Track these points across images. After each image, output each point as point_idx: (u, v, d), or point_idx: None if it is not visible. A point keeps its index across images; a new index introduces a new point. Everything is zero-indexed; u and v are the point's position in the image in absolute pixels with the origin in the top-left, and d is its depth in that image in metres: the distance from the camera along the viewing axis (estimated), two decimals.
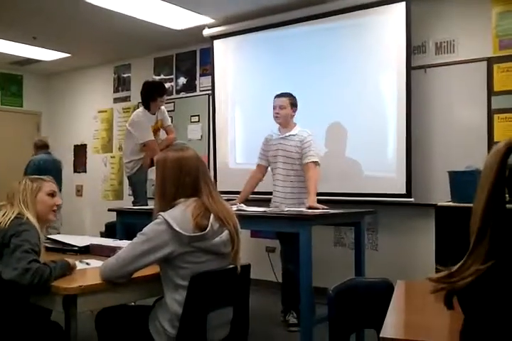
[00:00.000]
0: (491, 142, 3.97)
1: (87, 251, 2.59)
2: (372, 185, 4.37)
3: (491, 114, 4.03)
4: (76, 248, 2.61)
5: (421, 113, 4.29)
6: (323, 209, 3.47)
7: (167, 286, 1.99)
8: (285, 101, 3.94)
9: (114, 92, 6.90)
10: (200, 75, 5.97)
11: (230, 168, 5.33)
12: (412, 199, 4.16)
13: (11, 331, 2.00)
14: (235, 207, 3.27)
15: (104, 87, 6.98)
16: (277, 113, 3.93)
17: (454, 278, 1.01)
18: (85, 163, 7.24)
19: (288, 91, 4.03)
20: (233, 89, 5.37)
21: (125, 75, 6.69)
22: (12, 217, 2.11)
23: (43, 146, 5.96)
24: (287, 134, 3.92)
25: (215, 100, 5.51)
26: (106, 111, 6.98)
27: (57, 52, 6.40)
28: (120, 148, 6.75)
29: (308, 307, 3.00)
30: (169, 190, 2.04)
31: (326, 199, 4.01)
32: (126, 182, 6.57)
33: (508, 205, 1.02)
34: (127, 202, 6.07)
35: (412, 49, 4.30)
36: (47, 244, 2.75)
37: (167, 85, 6.20)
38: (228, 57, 5.41)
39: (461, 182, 2.96)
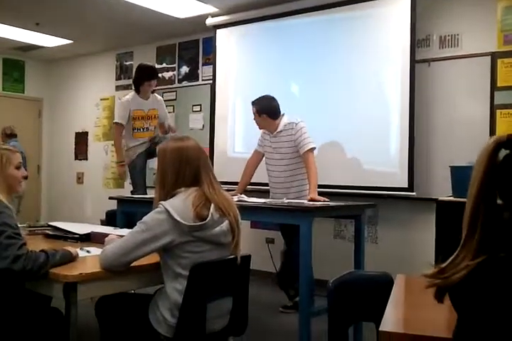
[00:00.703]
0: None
1: (87, 238, 2.59)
2: (374, 178, 4.37)
3: (493, 109, 4.02)
4: (77, 235, 2.61)
5: (424, 106, 4.28)
6: (324, 201, 3.47)
7: (167, 275, 2.00)
8: (252, 110, 3.95)
9: (116, 80, 6.87)
10: (203, 64, 5.95)
11: (229, 156, 5.32)
12: (413, 194, 4.17)
13: (11, 317, 2.00)
14: (235, 198, 3.27)
15: (107, 75, 6.96)
16: (254, 121, 3.99)
17: (446, 273, 1.02)
18: (86, 150, 7.24)
19: (261, 97, 3.97)
20: (235, 78, 5.35)
21: (127, 63, 6.67)
22: None
23: (11, 135, 6.33)
24: (275, 133, 3.91)
25: (215, 89, 5.49)
26: (108, 99, 6.96)
27: (60, 39, 6.37)
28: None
29: (307, 298, 3.02)
30: (169, 180, 2.04)
31: (327, 191, 4.01)
32: (127, 170, 6.57)
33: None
34: (128, 191, 6.08)
35: (416, 42, 4.28)
36: (48, 231, 2.76)
37: (169, 74, 6.20)
38: (231, 46, 5.39)
39: (462, 177, 2.95)
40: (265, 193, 4.12)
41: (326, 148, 4.43)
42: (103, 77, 7.02)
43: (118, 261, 1.94)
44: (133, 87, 4.61)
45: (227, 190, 2.23)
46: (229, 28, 5.33)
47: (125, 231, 2.43)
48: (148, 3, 4.94)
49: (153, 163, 4.62)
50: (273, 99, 3.96)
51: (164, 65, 6.28)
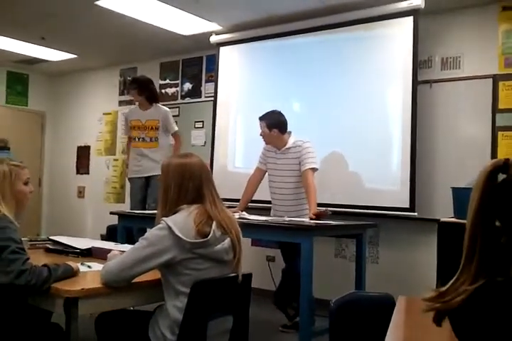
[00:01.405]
0: (494, 159, 3.98)
1: (88, 253, 2.59)
2: (375, 197, 4.36)
3: (495, 131, 4.04)
4: (78, 250, 2.61)
5: (426, 127, 4.30)
6: (325, 211, 3.46)
7: (168, 292, 2.00)
8: (261, 124, 3.94)
9: (119, 95, 6.91)
10: (206, 81, 5.99)
11: (229, 171, 5.32)
12: (415, 214, 4.15)
13: (11, 332, 1.99)
14: (237, 215, 3.28)
15: (110, 90, 7.00)
16: (261, 136, 3.97)
17: (446, 297, 1.01)
18: (88, 164, 7.24)
19: (269, 111, 3.98)
20: (236, 95, 5.39)
21: (131, 78, 6.70)
22: None
23: (3, 147, 6.61)
24: (283, 149, 3.92)
25: (216, 106, 5.53)
26: (110, 114, 6.99)
27: (65, 53, 6.42)
28: (123, 151, 6.77)
29: (308, 318, 3.00)
30: (172, 196, 2.05)
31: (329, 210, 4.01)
32: (127, 185, 6.58)
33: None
34: (129, 206, 6.08)
35: (419, 63, 4.32)
36: (49, 245, 2.76)
37: (172, 90, 6.25)
38: (233, 64, 5.43)
39: (464, 198, 2.94)
40: (266, 210, 4.12)
41: (326, 167, 4.44)
42: (106, 92, 7.06)
43: (119, 277, 1.94)
44: None
45: (228, 207, 2.24)
46: (232, 45, 5.38)
47: (126, 247, 2.43)
48: (153, 20, 4.99)
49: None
50: (281, 113, 3.98)
51: (168, 81, 6.32)
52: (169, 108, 4.99)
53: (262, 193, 4.16)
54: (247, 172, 4.28)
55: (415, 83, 4.24)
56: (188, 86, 6.16)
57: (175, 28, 5.20)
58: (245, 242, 2.16)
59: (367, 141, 4.45)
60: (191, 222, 1.95)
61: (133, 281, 1.98)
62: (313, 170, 3.79)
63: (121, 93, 6.89)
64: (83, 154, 7.28)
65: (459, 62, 4.28)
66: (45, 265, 1.95)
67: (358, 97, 4.54)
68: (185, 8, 4.62)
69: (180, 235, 1.90)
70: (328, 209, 3.54)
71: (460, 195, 3.12)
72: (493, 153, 4.02)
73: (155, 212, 2.23)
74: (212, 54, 5.73)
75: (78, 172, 7.34)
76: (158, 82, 6.23)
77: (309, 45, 4.85)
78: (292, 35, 4.91)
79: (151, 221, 2.10)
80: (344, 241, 4.70)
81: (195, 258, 1.95)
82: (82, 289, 1.85)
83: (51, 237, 2.88)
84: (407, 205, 4.19)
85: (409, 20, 4.26)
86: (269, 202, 4.14)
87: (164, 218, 1.97)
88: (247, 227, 2.51)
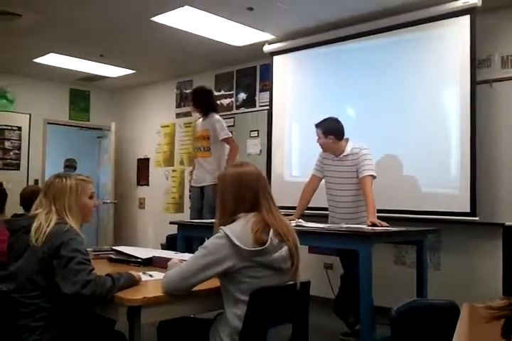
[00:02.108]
0: None
1: (150, 263, 2.64)
2: (434, 202, 4.25)
3: None
4: (140, 260, 2.67)
5: (486, 128, 4.17)
6: (383, 226, 3.40)
7: (227, 300, 2.01)
8: (317, 132, 3.92)
9: (176, 108, 7.07)
10: (260, 91, 6.04)
11: (286, 180, 5.33)
12: (476, 218, 4.02)
13: (78, 340, 2.06)
14: (293, 223, 3.27)
15: (167, 103, 7.17)
16: (318, 142, 3.95)
17: None
18: (148, 176, 7.43)
19: (325, 118, 3.95)
20: (291, 103, 5.40)
21: (187, 91, 6.85)
22: (53, 223, 2.07)
23: (69, 166, 7.30)
24: (341, 156, 3.89)
25: (272, 115, 5.56)
26: (168, 126, 7.16)
27: (123, 69, 6.64)
28: (181, 162, 6.91)
29: (369, 326, 2.95)
30: (229, 205, 2.07)
31: (385, 216, 3.93)
32: (186, 195, 6.72)
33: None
34: (188, 215, 6.18)
35: (477, 63, 4.20)
36: (112, 255, 2.84)
37: (227, 101, 6.34)
38: (287, 72, 5.45)
39: None
40: (322, 218, 4.09)
41: (383, 172, 4.35)
42: (164, 105, 7.24)
43: (180, 285, 1.97)
44: None
45: (285, 215, 2.24)
46: (285, 54, 5.41)
47: (186, 256, 2.47)
48: (206, 33, 5.10)
49: None
50: (337, 120, 3.95)
51: (222, 92, 6.41)
52: (224, 118, 5.04)
53: (318, 200, 4.14)
54: (304, 180, 4.27)
55: (474, 83, 4.12)
56: (242, 96, 6.23)
57: (228, 39, 5.28)
58: (302, 250, 2.15)
59: (425, 144, 4.35)
60: (249, 230, 1.96)
61: (193, 289, 2.00)
62: (372, 177, 3.74)
63: (178, 105, 7.05)
64: (143, 166, 7.48)
65: None
66: (108, 275, 2.00)
67: (415, 100, 4.46)
68: (238, 19, 4.70)
69: (238, 243, 1.92)
70: (387, 225, 3.46)
71: None
72: None
73: (213, 221, 2.26)
74: (265, 63, 5.78)
75: (138, 183, 7.54)
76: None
77: (363, 49, 4.81)
78: (345, 40, 4.89)
79: (209, 230, 2.13)
80: (404, 248, 4.60)
81: (253, 266, 1.96)
82: (144, 298, 1.88)
83: (114, 247, 2.96)
84: (467, 209, 4.06)
85: (466, 19, 4.16)
86: (325, 209, 4.11)
87: (222, 227, 1.99)
88: (304, 235, 2.50)
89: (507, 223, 3.11)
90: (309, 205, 4.14)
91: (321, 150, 4.06)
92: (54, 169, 6.48)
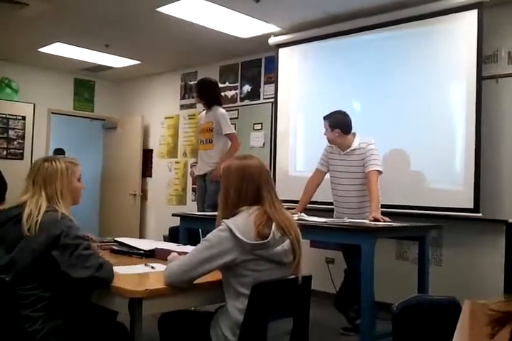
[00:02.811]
0: None
1: (152, 254, 2.64)
2: (437, 198, 4.25)
3: None
4: (142, 251, 2.67)
5: (491, 123, 4.15)
6: (385, 221, 3.40)
7: (229, 294, 2.02)
8: (325, 124, 3.92)
9: (180, 99, 7.06)
10: (265, 83, 6.01)
11: (290, 175, 5.33)
12: (480, 215, 4.01)
13: (79, 331, 2.07)
14: (296, 217, 3.27)
15: (172, 94, 7.16)
16: (325, 134, 3.95)
17: None
18: (151, 167, 7.43)
19: (333, 111, 3.96)
20: (296, 96, 5.38)
21: (192, 82, 6.83)
22: (43, 210, 2.02)
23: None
24: (348, 150, 3.88)
25: (277, 108, 5.54)
26: (172, 118, 7.15)
27: (128, 60, 6.62)
28: (185, 154, 6.90)
29: (369, 321, 2.95)
30: (232, 198, 2.07)
31: (389, 211, 3.93)
32: (189, 187, 6.72)
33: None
34: (190, 207, 6.20)
35: (484, 58, 4.17)
36: (114, 247, 2.84)
37: (232, 93, 6.32)
38: (293, 64, 5.43)
39: None
40: (325, 212, 4.09)
41: (388, 167, 4.35)
42: (168, 97, 7.22)
43: (182, 277, 1.97)
44: None
45: (288, 209, 2.24)
46: (291, 46, 5.38)
47: (188, 248, 2.48)
48: (212, 24, 5.07)
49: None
50: (345, 114, 3.95)
51: (227, 83, 6.40)
52: (228, 110, 5.03)
53: (321, 194, 4.13)
54: (308, 174, 4.26)
55: (480, 78, 4.10)
56: (247, 88, 6.21)
57: (234, 31, 5.26)
58: (304, 244, 2.15)
59: (429, 139, 4.34)
60: (251, 224, 1.97)
61: (195, 282, 2.01)
62: (378, 172, 3.74)
63: (183, 97, 7.03)
64: (146, 157, 7.47)
65: None
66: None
67: (421, 95, 4.43)
68: (244, 10, 4.67)
69: (240, 237, 1.92)
70: (390, 220, 3.45)
71: None
72: None
73: (215, 213, 2.26)
74: (270, 56, 5.75)
75: (142, 175, 7.54)
76: None
77: (370, 42, 4.78)
78: (351, 33, 4.86)
79: (211, 223, 2.13)
80: (406, 243, 4.60)
81: (255, 259, 1.96)
82: (146, 290, 1.89)
83: (116, 239, 2.96)
84: (471, 206, 4.05)
85: (473, 14, 4.12)
86: (328, 204, 4.11)
87: (225, 220, 1.99)
88: (306, 229, 2.50)
89: (510, 220, 3.10)
90: (313, 199, 4.14)
91: (326, 144, 4.06)
92: None
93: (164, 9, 4.68)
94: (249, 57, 6.16)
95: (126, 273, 2.15)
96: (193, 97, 6.73)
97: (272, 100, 5.68)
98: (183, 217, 4.10)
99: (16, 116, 6.88)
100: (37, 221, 1.97)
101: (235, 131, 4.82)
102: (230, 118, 4.93)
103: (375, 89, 4.73)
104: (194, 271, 1.96)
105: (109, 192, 7.65)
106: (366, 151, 3.79)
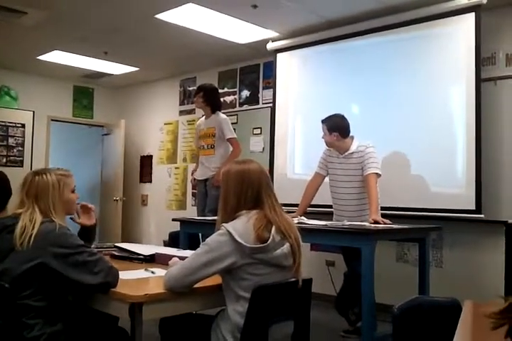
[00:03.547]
0: None
1: (152, 259, 2.64)
2: (438, 200, 4.25)
3: None
4: (142, 256, 2.67)
5: (491, 126, 4.16)
6: (385, 223, 3.40)
7: (229, 297, 2.02)
8: (323, 128, 3.90)
9: (179, 105, 7.07)
10: (263, 88, 6.03)
11: (289, 178, 5.34)
12: (482, 216, 4.01)
13: (80, 335, 2.07)
14: (296, 220, 3.27)
15: (171, 100, 7.18)
16: (323, 138, 3.94)
17: None
18: (151, 173, 7.44)
19: (331, 115, 3.94)
20: (294, 101, 5.40)
21: (190, 88, 6.85)
22: (38, 223, 1.99)
23: None
24: (346, 154, 3.88)
25: (275, 112, 5.55)
26: (171, 124, 7.16)
27: (127, 66, 6.64)
28: (184, 160, 6.91)
29: (370, 323, 2.95)
30: (232, 202, 2.07)
31: (390, 213, 3.94)
32: (189, 192, 6.72)
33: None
34: (190, 212, 6.20)
35: (482, 60, 4.18)
36: (114, 252, 2.85)
37: (230, 98, 6.34)
38: (291, 69, 5.45)
39: None
40: (325, 215, 4.09)
41: (389, 169, 4.35)
42: (167, 103, 7.24)
43: (182, 282, 1.97)
44: None
45: (288, 212, 2.24)
46: (289, 51, 5.40)
47: (188, 253, 2.47)
48: (210, 30, 5.10)
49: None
50: (344, 117, 3.94)
51: (226, 89, 6.41)
52: (228, 115, 5.04)
53: (321, 197, 4.14)
54: (307, 178, 4.27)
55: (479, 81, 4.11)
56: (245, 93, 6.22)
57: (232, 37, 5.28)
58: (304, 247, 2.15)
59: (430, 142, 4.35)
60: (251, 227, 1.97)
61: (195, 286, 2.00)
62: (376, 175, 3.73)
63: (182, 103, 7.05)
64: (146, 163, 7.49)
65: None
66: None
67: (420, 98, 4.45)
68: (242, 16, 4.69)
69: (240, 240, 1.92)
70: (389, 223, 3.45)
71: None
72: None
73: (215, 218, 2.26)
74: (268, 61, 5.78)
75: (141, 180, 7.56)
76: None
77: (367, 47, 4.80)
78: (349, 37, 4.88)
79: (211, 227, 2.13)
80: (406, 245, 4.60)
81: (255, 263, 1.96)
82: (146, 294, 1.88)
83: (117, 244, 2.96)
84: (472, 207, 4.05)
85: (470, 17, 4.15)
86: (328, 207, 4.11)
87: (224, 224, 1.99)
88: (306, 232, 2.50)
89: (510, 220, 3.11)
90: (312, 202, 4.14)
91: (324, 147, 4.06)
92: (57, 166, 6.48)
93: (162, 16, 4.70)
94: (247, 63, 6.18)
95: (127, 278, 2.14)
96: (192, 103, 6.72)
97: (271, 105, 5.70)
98: (183, 222, 4.10)
99: (15, 123, 6.90)
100: (31, 235, 1.94)
101: (236, 136, 4.83)
102: (231, 124, 4.94)
103: (374, 92, 4.74)
104: (194, 275, 1.96)
105: (109, 198, 7.65)
106: (365, 154, 3.79)
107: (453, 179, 4.22)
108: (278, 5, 4.38)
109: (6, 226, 2.02)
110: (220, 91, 6.24)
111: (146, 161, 7.49)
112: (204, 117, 4.93)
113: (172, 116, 7.15)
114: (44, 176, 2.12)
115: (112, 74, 7.06)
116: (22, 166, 6.87)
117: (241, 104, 6.26)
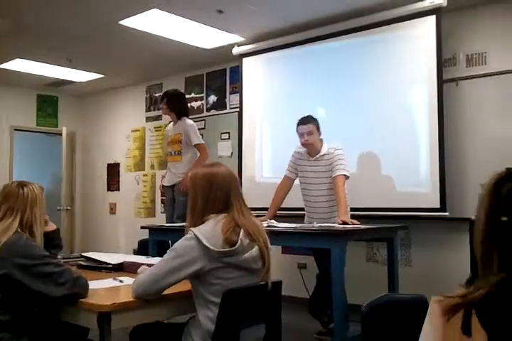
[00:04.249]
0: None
1: (120, 268, 2.61)
2: (405, 199, 4.32)
3: None
4: (110, 265, 2.63)
5: (454, 126, 4.24)
6: (354, 224, 3.43)
7: (199, 303, 2.00)
8: (311, 127, 3.87)
9: (146, 111, 7.02)
10: (230, 93, 6.04)
11: (257, 181, 5.34)
12: (446, 214, 4.09)
13: None
14: (265, 223, 3.27)
15: (137, 107, 7.12)
16: (307, 140, 3.85)
17: (468, 294, 1.01)
18: (118, 181, 7.35)
19: (310, 115, 3.96)
20: (261, 105, 5.42)
21: (157, 94, 6.81)
22: (10, 233, 1.97)
23: None
24: (318, 156, 3.90)
25: (242, 117, 5.56)
26: (138, 130, 7.10)
27: (91, 73, 6.57)
28: (152, 167, 6.86)
29: (342, 324, 2.96)
30: (200, 205, 2.05)
31: (358, 214, 3.97)
32: (158, 199, 6.67)
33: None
34: (159, 220, 6.15)
35: (443, 62, 4.27)
36: (81, 262, 2.80)
37: (198, 103, 6.32)
38: (257, 74, 5.47)
39: None
40: (295, 218, 4.10)
41: (356, 171, 4.41)
42: (133, 109, 7.18)
43: (150, 289, 1.94)
44: None
45: (257, 216, 2.24)
46: (255, 56, 5.42)
47: (157, 260, 2.45)
48: (175, 36, 5.08)
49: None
50: None
51: (193, 94, 6.39)
52: (195, 121, 5.03)
53: (291, 200, 4.15)
54: (275, 181, 4.28)
55: (440, 82, 4.20)
56: (212, 98, 6.22)
57: (197, 42, 5.27)
58: (276, 250, 2.16)
59: (394, 143, 4.42)
60: (219, 231, 1.95)
61: (164, 293, 1.98)
62: (345, 176, 3.76)
63: (148, 109, 7.00)
64: (113, 171, 7.40)
65: (485, 58, 4.22)
66: None
67: (384, 99, 4.52)
68: (207, 22, 4.69)
69: (207, 245, 1.90)
70: (358, 223, 3.48)
71: None
72: None
73: (184, 224, 2.25)
74: (235, 65, 5.78)
75: (109, 189, 7.46)
76: None
77: (330, 50, 4.85)
78: (314, 41, 4.93)
79: (180, 234, 2.11)
80: (375, 245, 4.65)
81: (224, 267, 1.95)
82: (114, 303, 1.85)
83: (84, 254, 2.92)
84: (437, 205, 4.13)
85: (431, 19, 4.24)
86: (298, 209, 4.13)
87: (192, 228, 1.98)
88: (276, 235, 2.51)
89: (473, 217, 3.17)
90: (282, 205, 4.15)
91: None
92: (21, 176, 6.34)
93: (126, 22, 4.66)
94: (214, 68, 6.18)
95: (95, 288, 2.11)
96: (158, 109, 6.69)
97: (238, 110, 5.70)
98: (152, 229, 4.06)
99: None
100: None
101: (203, 142, 4.81)
102: (198, 129, 4.93)
103: (339, 95, 4.79)
104: (162, 282, 1.94)
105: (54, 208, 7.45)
106: (334, 156, 3.82)
107: (418, 179, 4.30)
108: (243, 10, 4.39)
109: None
110: (187, 96, 6.22)
111: (114, 169, 7.40)
112: (172, 123, 4.91)
113: (139, 122, 7.08)
114: (31, 188, 2.12)
115: (77, 82, 6.96)
116: None
117: (208, 109, 6.25)
